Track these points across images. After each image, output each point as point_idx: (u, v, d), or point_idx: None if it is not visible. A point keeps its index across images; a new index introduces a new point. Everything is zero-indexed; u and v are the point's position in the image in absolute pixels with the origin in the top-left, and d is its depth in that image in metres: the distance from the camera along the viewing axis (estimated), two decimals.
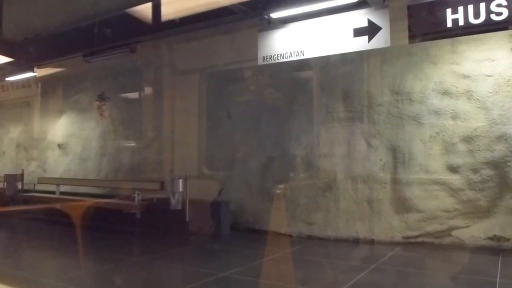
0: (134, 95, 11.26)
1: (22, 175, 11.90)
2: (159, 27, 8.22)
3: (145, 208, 8.61)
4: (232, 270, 5.72)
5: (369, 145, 7.71)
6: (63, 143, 12.32)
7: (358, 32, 6.57)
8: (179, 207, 8.19)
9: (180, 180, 8.18)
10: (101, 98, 11.27)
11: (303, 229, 8.07)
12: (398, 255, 6.66)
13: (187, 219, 8.16)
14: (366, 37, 6.50)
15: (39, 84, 12.71)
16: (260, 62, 7.47)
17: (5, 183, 11.69)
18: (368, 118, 7.77)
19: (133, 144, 10.87)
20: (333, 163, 7.99)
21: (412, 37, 6.29)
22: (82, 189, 11.04)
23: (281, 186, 8.42)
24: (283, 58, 7.26)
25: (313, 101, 8.37)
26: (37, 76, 11.47)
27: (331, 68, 8.14)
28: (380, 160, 7.60)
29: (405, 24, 6.29)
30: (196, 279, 5.44)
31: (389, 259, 6.34)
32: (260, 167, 8.77)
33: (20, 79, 11.91)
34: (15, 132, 14.01)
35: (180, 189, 8.19)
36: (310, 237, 7.90)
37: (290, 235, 8.08)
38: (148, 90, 10.76)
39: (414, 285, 5.25)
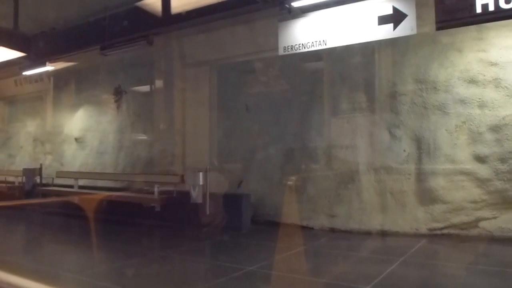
0: (151, 88, 11.20)
1: (40, 169, 11.92)
2: (178, 18, 8.09)
3: (165, 201, 8.58)
4: (259, 264, 5.63)
5: (392, 135, 7.57)
6: (80, 137, 12.33)
7: (382, 20, 6.38)
8: (200, 200, 8.13)
9: (201, 173, 8.12)
10: (118, 91, 11.23)
11: (325, 221, 7.96)
12: (425, 247, 6.54)
13: (207, 212, 8.11)
14: (391, 25, 6.32)
15: (55, 78, 12.69)
16: (281, 52, 7.30)
17: (24, 177, 11.75)
18: (391, 108, 7.62)
19: (151, 138, 10.83)
20: (355, 154, 7.86)
21: (439, 24, 6.08)
22: (100, 183, 11.05)
23: (302, 178, 8.31)
24: (304, 48, 7.09)
25: (334, 91, 8.23)
26: (53, 69, 11.44)
27: (352, 58, 7.98)
28: (404, 151, 7.46)
29: (432, 10, 6.08)
30: (224, 274, 5.37)
31: (417, 252, 6.22)
32: (280, 159, 8.67)
33: (35, 73, 11.88)
34: (32, 126, 14.06)
35: (201, 182, 8.13)
36: (332, 230, 7.79)
37: (312, 228, 7.98)
38: (165, 82, 10.66)
39: (448, 278, 5.16)
